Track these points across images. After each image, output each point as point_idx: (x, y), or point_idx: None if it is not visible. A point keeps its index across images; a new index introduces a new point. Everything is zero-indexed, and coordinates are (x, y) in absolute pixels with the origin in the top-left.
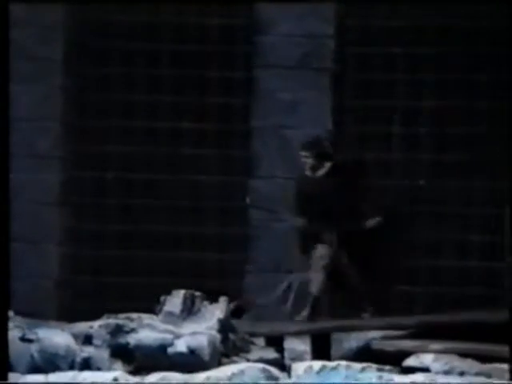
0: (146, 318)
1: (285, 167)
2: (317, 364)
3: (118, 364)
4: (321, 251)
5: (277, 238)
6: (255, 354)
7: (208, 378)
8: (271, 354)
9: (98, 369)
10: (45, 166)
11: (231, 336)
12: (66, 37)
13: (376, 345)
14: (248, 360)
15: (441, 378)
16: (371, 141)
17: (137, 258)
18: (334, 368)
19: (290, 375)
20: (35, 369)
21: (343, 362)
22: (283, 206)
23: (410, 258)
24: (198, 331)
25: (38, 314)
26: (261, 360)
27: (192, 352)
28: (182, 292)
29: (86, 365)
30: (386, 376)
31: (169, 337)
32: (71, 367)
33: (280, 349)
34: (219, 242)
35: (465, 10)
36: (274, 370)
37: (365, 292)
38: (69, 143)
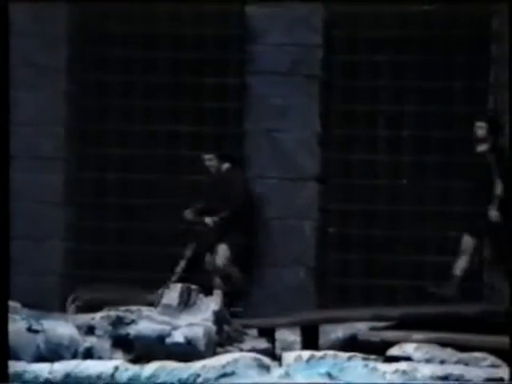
0: (145, 310)
1: (275, 167)
2: (306, 353)
3: (119, 353)
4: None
5: (267, 235)
6: (248, 344)
7: (204, 366)
8: (263, 344)
9: (100, 358)
10: (49, 168)
11: (225, 327)
12: (68, 46)
13: (362, 335)
14: (241, 350)
15: (422, 366)
16: (356, 143)
17: (134, 253)
18: (322, 357)
19: (280, 364)
20: (41, 358)
21: (330, 352)
22: None
23: (393, 254)
24: (194, 323)
25: (43, 306)
26: (253, 350)
27: (188, 342)
28: (179, 286)
29: (89, 354)
30: (371, 364)
31: (166, 328)
32: (74, 356)
33: (271, 339)
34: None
35: (445, 21)
36: (266, 359)
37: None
38: (71, 146)
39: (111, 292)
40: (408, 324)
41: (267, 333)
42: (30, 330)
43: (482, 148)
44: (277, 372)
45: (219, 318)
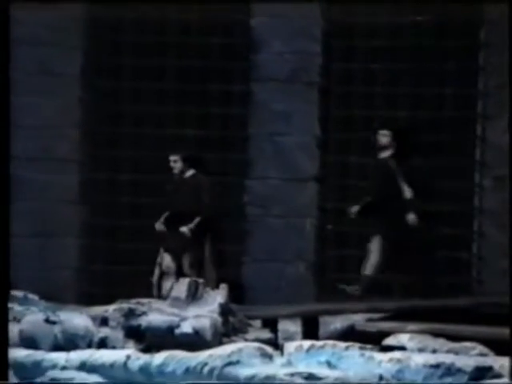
0: (155, 302)
1: (278, 169)
2: (306, 343)
3: (131, 343)
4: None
5: (270, 232)
6: (252, 334)
7: (210, 355)
8: (266, 334)
9: (113, 347)
10: (64, 169)
11: (231, 318)
12: (83, 55)
13: (359, 326)
14: (246, 340)
15: (415, 355)
16: (353, 146)
17: (145, 249)
18: (322, 347)
19: (282, 353)
20: (58, 347)
21: (330, 342)
22: None
23: None
24: (202, 314)
25: (59, 299)
26: (257, 340)
27: (196, 333)
28: (187, 280)
29: (103, 344)
30: (368, 354)
31: (175, 319)
32: (89, 346)
33: (274, 330)
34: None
35: (435, 31)
36: (269, 349)
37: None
38: (86, 148)
39: None
40: (403, 315)
41: (270, 324)
42: (47, 321)
43: (384, 154)
44: (279, 361)
45: (225, 310)
